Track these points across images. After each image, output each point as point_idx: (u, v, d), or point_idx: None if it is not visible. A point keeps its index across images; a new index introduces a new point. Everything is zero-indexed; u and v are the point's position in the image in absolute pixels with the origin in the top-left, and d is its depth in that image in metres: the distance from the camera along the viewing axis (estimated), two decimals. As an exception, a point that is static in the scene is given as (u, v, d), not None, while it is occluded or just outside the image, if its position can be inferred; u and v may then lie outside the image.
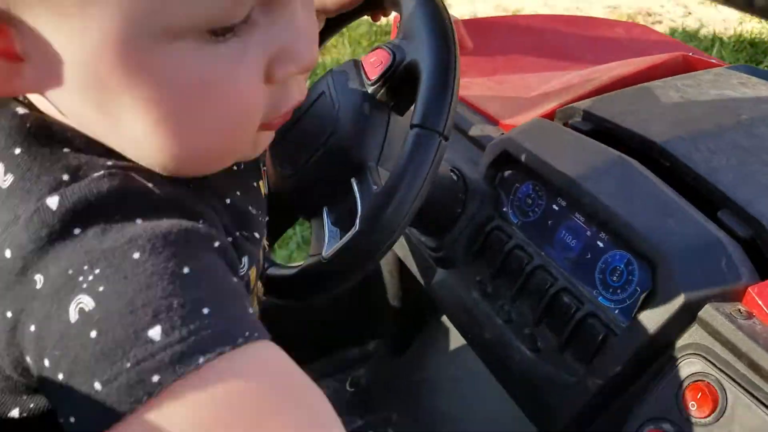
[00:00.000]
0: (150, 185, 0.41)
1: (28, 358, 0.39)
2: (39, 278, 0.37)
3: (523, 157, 0.73)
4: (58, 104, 0.41)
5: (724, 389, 0.56)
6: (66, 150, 0.41)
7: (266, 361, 0.39)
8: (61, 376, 0.36)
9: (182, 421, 0.36)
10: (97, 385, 0.35)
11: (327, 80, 0.72)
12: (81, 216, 0.38)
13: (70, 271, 0.36)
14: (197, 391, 0.36)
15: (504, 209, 0.76)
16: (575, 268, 0.68)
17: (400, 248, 0.88)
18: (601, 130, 0.75)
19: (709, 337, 0.58)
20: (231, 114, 0.42)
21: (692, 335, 0.59)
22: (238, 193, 0.51)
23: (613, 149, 0.70)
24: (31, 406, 0.44)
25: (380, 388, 1.18)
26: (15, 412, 0.44)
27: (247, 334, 0.38)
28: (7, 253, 0.38)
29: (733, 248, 0.61)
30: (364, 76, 0.69)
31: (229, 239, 0.45)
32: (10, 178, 0.40)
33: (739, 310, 0.58)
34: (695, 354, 0.59)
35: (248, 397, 0.37)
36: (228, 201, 0.48)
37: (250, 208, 0.52)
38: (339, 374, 1.21)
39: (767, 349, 0.54)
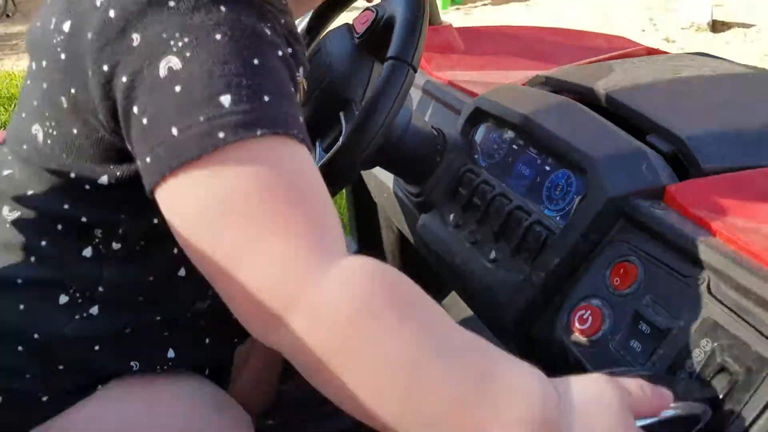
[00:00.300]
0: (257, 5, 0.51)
1: (119, 108, 0.50)
2: (136, 37, 0.48)
3: (490, 110, 0.85)
4: None
5: (642, 266, 0.65)
6: None
7: (304, 157, 0.50)
8: (145, 121, 0.48)
9: (233, 176, 0.47)
10: (174, 131, 0.47)
11: (323, 39, 0.86)
12: None
13: (164, 35, 0.47)
14: (250, 155, 0.47)
15: (475, 156, 0.87)
16: (528, 191, 0.78)
17: (390, 207, 0.99)
18: (556, 89, 0.87)
19: (631, 226, 0.68)
20: None
21: (618, 227, 0.69)
22: (289, 18, 0.61)
23: (564, 93, 0.82)
24: (118, 174, 0.55)
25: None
26: (104, 179, 0.56)
27: (295, 131, 0.49)
28: (111, 13, 0.49)
29: (654, 157, 0.71)
30: (354, 32, 0.83)
31: (290, 50, 0.56)
32: None
33: (658, 203, 0.68)
34: (620, 241, 0.68)
35: (286, 174, 0.48)
36: (283, 21, 0.58)
37: (297, 30, 0.63)
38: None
39: (677, 231, 0.64)
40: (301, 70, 0.59)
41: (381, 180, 1.03)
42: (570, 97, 0.84)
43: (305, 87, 0.66)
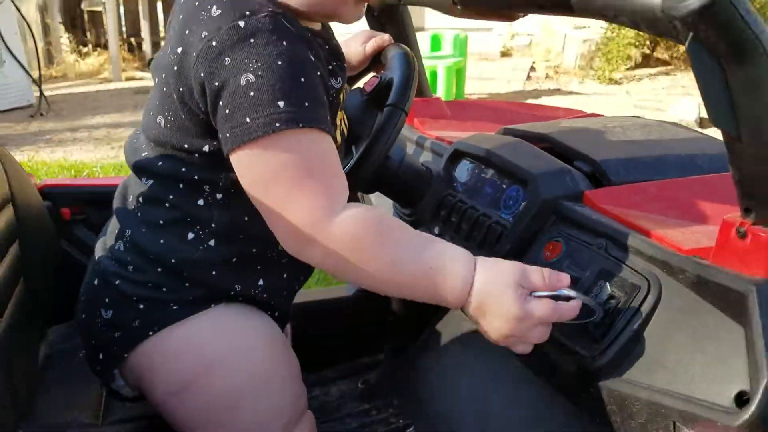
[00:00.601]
0: (290, 26, 0.82)
1: (209, 101, 0.81)
2: (228, 59, 0.78)
3: (465, 150, 1.15)
4: None
5: (565, 243, 0.93)
6: None
7: (327, 142, 0.82)
8: (227, 111, 0.79)
9: (281, 151, 0.78)
10: (248, 119, 0.78)
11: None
12: (255, 34, 0.78)
13: (246, 60, 0.78)
14: (293, 138, 0.79)
15: (454, 184, 1.16)
16: (490, 203, 1.07)
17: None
18: (513, 135, 1.17)
19: (559, 219, 0.96)
20: None
21: (551, 221, 0.97)
22: (334, 42, 0.94)
23: (517, 137, 1.12)
24: (214, 144, 0.86)
25: (385, 384, 1.51)
26: (206, 148, 0.86)
27: (323, 126, 0.81)
28: (213, 43, 0.79)
29: (576, 173, 1.00)
30: (364, 91, 1.14)
31: (330, 67, 0.88)
32: (218, 11, 0.81)
33: (578, 203, 0.96)
34: (551, 229, 0.96)
35: (314, 153, 0.81)
36: (327, 47, 0.91)
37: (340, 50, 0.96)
38: (354, 376, 1.55)
39: (588, 218, 0.92)
40: (339, 79, 0.91)
41: (380, 206, 1.32)
42: (523, 138, 1.14)
43: (345, 94, 0.98)
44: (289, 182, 0.79)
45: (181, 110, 0.86)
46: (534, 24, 8.01)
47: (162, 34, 8.98)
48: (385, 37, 1.19)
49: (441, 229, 1.13)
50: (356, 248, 0.80)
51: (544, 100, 6.28)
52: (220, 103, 0.80)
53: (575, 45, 7.38)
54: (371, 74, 1.17)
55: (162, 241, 0.92)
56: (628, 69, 7.26)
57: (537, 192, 0.98)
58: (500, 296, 0.79)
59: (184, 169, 0.90)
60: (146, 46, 8.59)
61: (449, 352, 1.46)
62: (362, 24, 1.21)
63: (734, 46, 0.64)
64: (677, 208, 0.91)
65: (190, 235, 0.92)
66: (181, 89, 0.84)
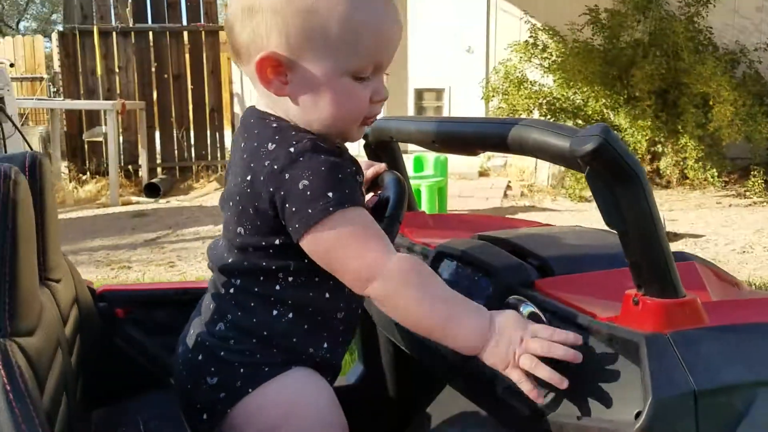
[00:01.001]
0: (324, 145, 1.14)
1: (278, 205, 1.14)
2: (287, 174, 1.12)
3: (446, 251, 1.48)
4: (288, 109, 1.18)
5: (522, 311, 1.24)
6: (292, 132, 1.16)
7: (367, 214, 1.16)
8: (294, 209, 1.12)
9: (338, 225, 1.12)
10: (309, 210, 1.12)
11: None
12: (302, 154, 1.12)
13: (299, 172, 1.12)
14: (344, 216, 1.12)
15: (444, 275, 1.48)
16: (466, 292, 1.38)
17: (386, 324, 1.57)
18: (485, 239, 1.51)
19: (514, 299, 1.27)
20: (357, 109, 1.19)
21: (511, 303, 1.28)
22: (351, 157, 1.22)
23: (485, 241, 1.45)
24: (283, 237, 1.18)
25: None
26: (277, 241, 1.20)
27: (361, 203, 1.15)
28: (275, 166, 1.13)
29: (528, 267, 1.32)
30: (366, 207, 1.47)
31: (354, 167, 1.19)
32: (273, 145, 1.16)
33: (530, 289, 1.28)
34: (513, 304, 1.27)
35: (361, 222, 1.15)
36: (349, 158, 1.20)
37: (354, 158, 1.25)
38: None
39: (536, 297, 1.23)
40: (359, 176, 1.21)
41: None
42: (490, 242, 1.47)
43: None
44: (352, 244, 1.11)
45: (257, 218, 1.18)
46: (509, 147, 8.56)
47: (159, 161, 9.45)
48: (382, 165, 1.54)
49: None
50: (407, 281, 1.11)
51: (521, 216, 6.69)
52: (287, 205, 1.11)
53: (546, 166, 7.89)
54: (371, 194, 1.51)
55: (254, 320, 1.24)
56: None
57: (499, 280, 1.30)
58: (510, 334, 1.11)
59: (263, 263, 1.22)
60: (143, 173, 9.02)
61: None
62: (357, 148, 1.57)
63: (616, 173, 0.99)
64: (602, 291, 1.23)
65: (274, 312, 1.24)
66: (255, 203, 1.17)
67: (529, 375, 1.08)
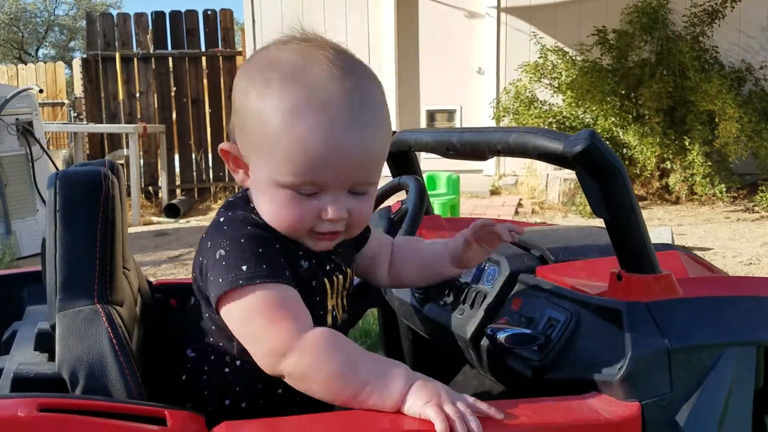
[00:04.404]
0: (257, 220, 1.13)
1: (197, 271, 1.14)
2: (209, 242, 1.12)
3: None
4: (253, 199, 1.16)
5: (524, 298, 1.44)
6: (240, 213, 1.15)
7: (283, 288, 1.08)
8: (210, 277, 1.09)
9: (248, 299, 1.06)
10: (220, 280, 1.07)
11: (377, 211, 1.70)
12: (229, 224, 1.13)
13: (219, 241, 1.10)
14: (254, 290, 1.06)
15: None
16: (477, 280, 1.58)
17: (405, 312, 1.77)
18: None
19: (520, 285, 1.47)
20: (295, 222, 1.12)
21: (516, 287, 1.48)
22: (306, 251, 1.18)
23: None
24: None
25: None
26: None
27: (278, 278, 1.07)
28: (204, 235, 1.15)
29: (529, 257, 1.52)
30: (391, 211, 1.68)
31: (299, 252, 1.16)
32: (216, 218, 1.17)
33: (532, 275, 1.48)
34: (515, 292, 1.47)
35: (274, 297, 1.07)
36: (301, 252, 1.18)
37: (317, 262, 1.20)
38: None
39: (538, 282, 1.43)
40: (311, 263, 1.19)
41: (401, 298, 1.83)
42: (497, 238, 1.67)
43: (335, 284, 1.25)
44: (260, 320, 1.06)
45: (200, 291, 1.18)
46: (519, 167, 8.77)
47: (178, 183, 9.70)
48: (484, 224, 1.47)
49: (443, 300, 1.64)
50: (320, 357, 1.03)
51: (532, 232, 6.85)
52: (207, 273, 1.10)
53: (557, 184, 8.08)
54: (395, 200, 1.73)
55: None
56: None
57: (507, 269, 1.50)
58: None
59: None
60: (162, 194, 9.27)
61: None
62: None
63: (601, 170, 1.19)
64: (593, 275, 1.43)
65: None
66: (196, 276, 1.18)
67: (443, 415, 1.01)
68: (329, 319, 1.23)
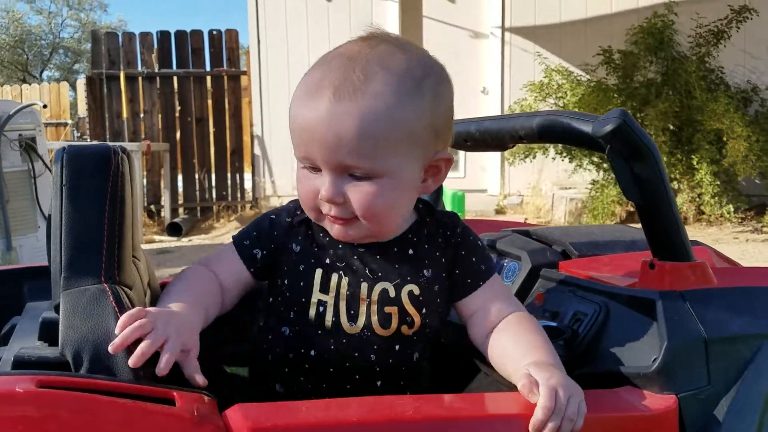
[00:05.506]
0: (283, 211, 1.25)
1: None
2: None
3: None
4: None
5: (546, 293, 1.38)
6: None
7: (225, 248, 1.27)
8: None
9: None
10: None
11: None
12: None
13: None
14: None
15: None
16: (498, 273, 1.53)
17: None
18: (514, 231, 1.65)
19: (543, 280, 1.41)
20: (304, 196, 1.15)
21: (538, 282, 1.42)
22: (311, 237, 1.22)
23: (514, 233, 1.59)
24: None
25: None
26: None
27: (235, 242, 1.25)
28: None
29: (551, 252, 1.46)
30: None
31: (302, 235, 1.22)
32: None
33: (554, 270, 1.42)
34: (538, 287, 1.41)
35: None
36: (301, 237, 1.22)
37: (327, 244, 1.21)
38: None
39: (560, 276, 1.37)
40: (299, 247, 1.21)
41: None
42: (518, 233, 1.61)
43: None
44: None
45: None
46: (524, 186, 8.73)
47: (180, 201, 9.66)
48: None
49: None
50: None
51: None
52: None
53: (563, 203, 8.03)
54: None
55: None
56: (614, 224, 7.87)
57: (528, 263, 1.45)
58: None
59: None
60: (165, 213, 9.23)
61: None
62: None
63: (633, 151, 1.13)
64: (619, 269, 1.37)
65: None
66: None
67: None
68: (312, 312, 1.17)
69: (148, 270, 1.46)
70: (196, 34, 9.58)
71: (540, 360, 1.06)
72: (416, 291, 1.17)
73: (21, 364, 0.94)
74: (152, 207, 9.49)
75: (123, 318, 0.96)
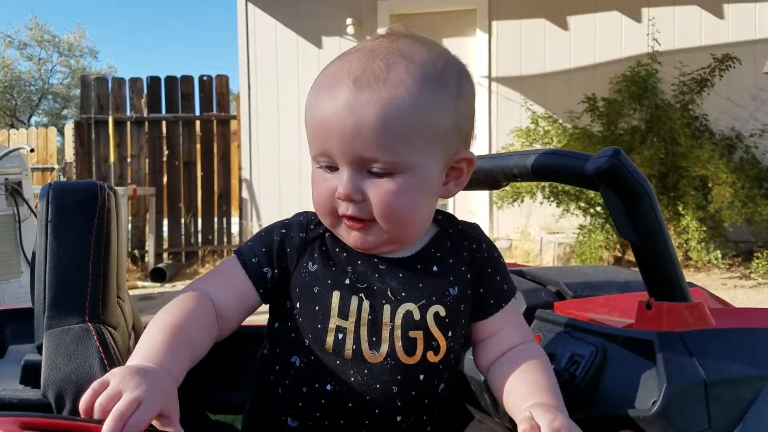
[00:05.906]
0: (299, 218, 1.17)
1: None
2: None
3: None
4: None
5: (542, 334, 1.35)
6: None
7: (228, 262, 1.16)
8: None
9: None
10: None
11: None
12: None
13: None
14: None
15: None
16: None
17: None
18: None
19: (538, 320, 1.39)
20: (319, 198, 1.08)
21: (533, 323, 1.40)
22: (327, 255, 1.13)
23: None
24: None
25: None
26: None
27: (238, 255, 1.15)
28: None
29: (546, 292, 1.44)
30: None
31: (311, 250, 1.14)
32: None
33: (549, 311, 1.40)
34: (535, 325, 1.39)
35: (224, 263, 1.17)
36: (317, 255, 1.13)
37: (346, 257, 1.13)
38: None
39: (555, 317, 1.35)
40: (316, 266, 1.12)
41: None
42: (512, 273, 1.59)
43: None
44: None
45: None
46: (512, 231, 8.74)
47: (165, 246, 9.58)
48: None
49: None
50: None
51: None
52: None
53: (551, 248, 8.04)
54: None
55: None
56: (607, 265, 7.87)
57: (523, 303, 1.42)
58: None
59: None
60: (149, 258, 9.15)
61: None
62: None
63: (627, 188, 1.12)
64: (614, 310, 1.35)
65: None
66: None
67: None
68: (330, 340, 1.07)
69: (133, 312, 1.43)
70: (187, 79, 9.63)
71: (543, 402, 1.03)
72: (442, 312, 1.10)
73: (3, 406, 0.90)
74: (136, 252, 9.42)
75: (87, 393, 0.83)
